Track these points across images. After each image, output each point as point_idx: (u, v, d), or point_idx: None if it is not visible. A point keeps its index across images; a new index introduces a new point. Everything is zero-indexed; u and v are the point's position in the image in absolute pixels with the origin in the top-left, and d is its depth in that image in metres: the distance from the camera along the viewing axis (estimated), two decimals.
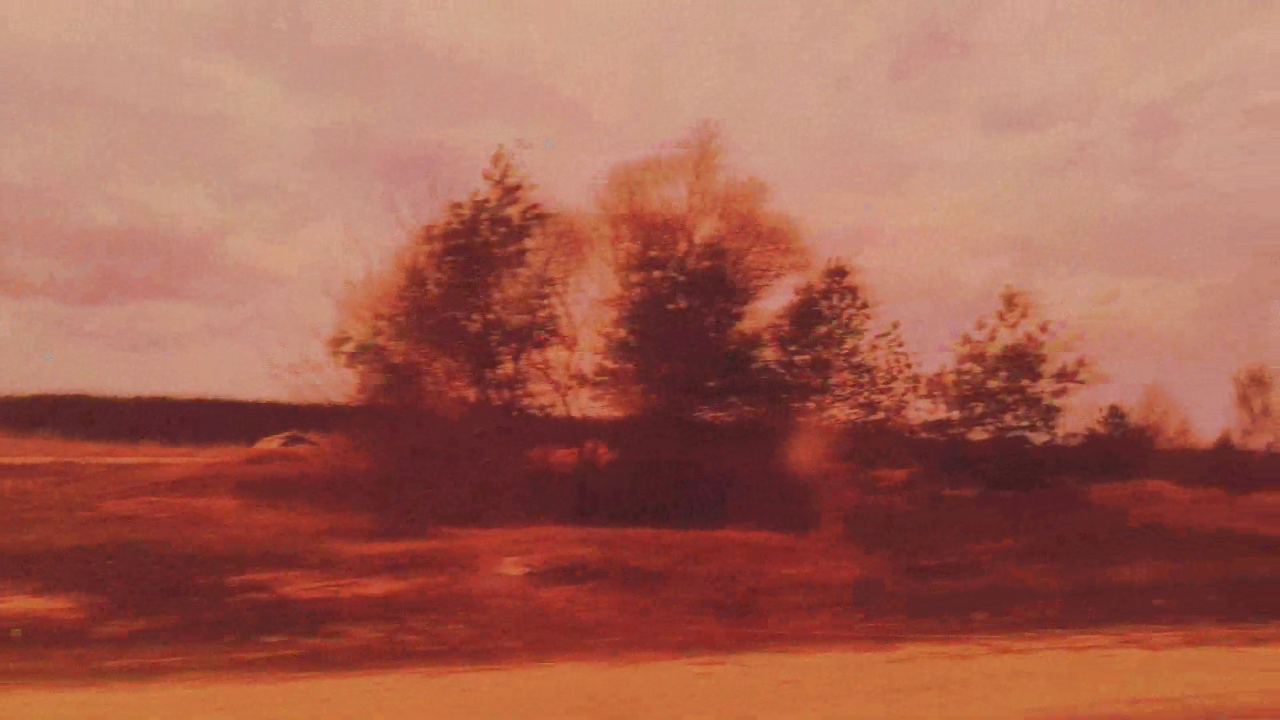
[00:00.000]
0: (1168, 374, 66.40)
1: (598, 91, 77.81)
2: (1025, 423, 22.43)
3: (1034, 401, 22.39)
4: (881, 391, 22.59)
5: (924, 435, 23.40)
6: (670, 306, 18.96)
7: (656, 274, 19.23)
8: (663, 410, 18.44)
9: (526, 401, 18.67)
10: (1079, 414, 24.15)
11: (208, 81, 67.41)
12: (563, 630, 8.61)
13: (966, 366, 22.80)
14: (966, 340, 23.11)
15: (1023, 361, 22.39)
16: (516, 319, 18.56)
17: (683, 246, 19.57)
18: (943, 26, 74.25)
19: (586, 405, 19.42)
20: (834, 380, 21.78)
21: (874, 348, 22.37)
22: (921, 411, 23.40)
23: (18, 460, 22.74)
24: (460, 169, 76.21)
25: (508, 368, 18.52)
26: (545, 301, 18.76)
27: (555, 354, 18.98)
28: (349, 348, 17.37)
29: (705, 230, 19.84)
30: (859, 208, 72.65)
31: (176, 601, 8.88)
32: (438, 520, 13.28)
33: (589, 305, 19.41)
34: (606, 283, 19.65)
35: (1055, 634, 9.12)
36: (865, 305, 22.13)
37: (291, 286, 69.96)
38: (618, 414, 19.66)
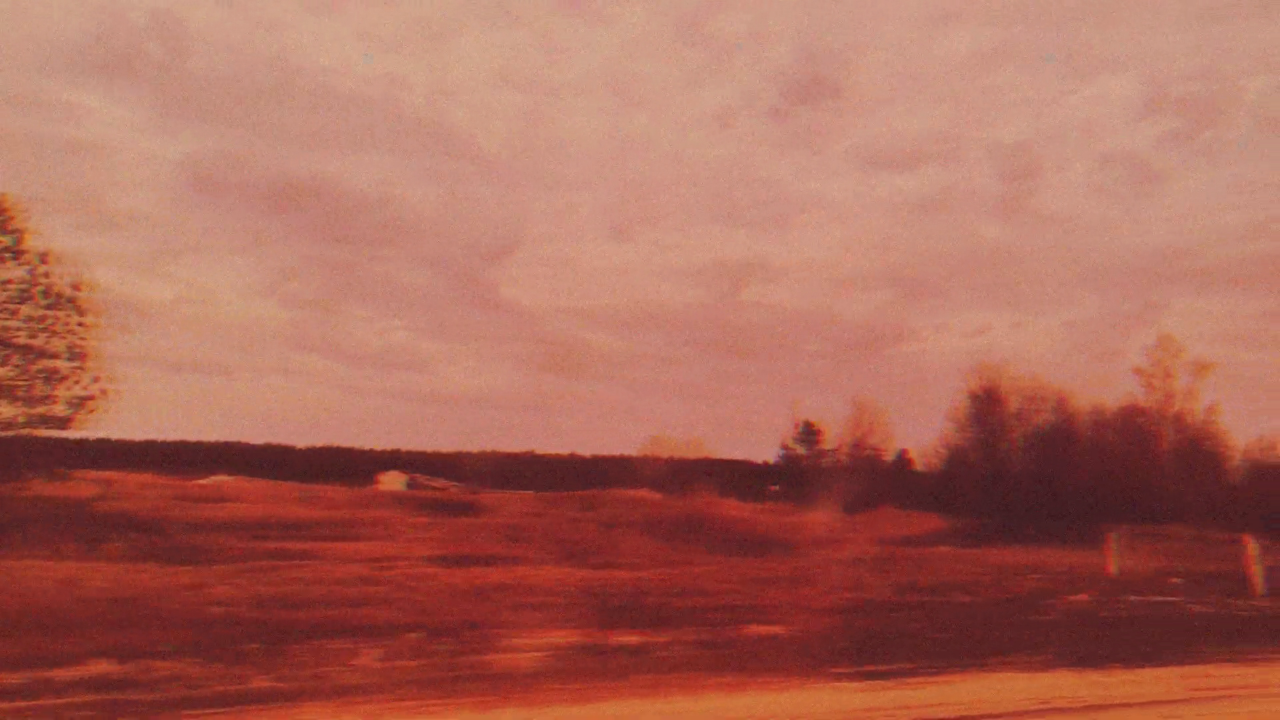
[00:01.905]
0: None
1: (484, 125, 75.33)
2: None
3: None
4: None
5: None
6: None
7: None
8: None
9: None
10: None
11: (72, 108, 61.30)
12: None
13: None
14: None
15: None
16: None
17: None
18: (819, 72, 75.45)
19: None
20: None
21: None
22: None
23: None
24: (340, 200, 71.85)
25: None
26: None
27: None
28: None
29: None
30: (744, 242, 72.53)
31: None
32: None
33: None
34: None
35: None
36: None
37: (162, 320, 64.06)
38: None
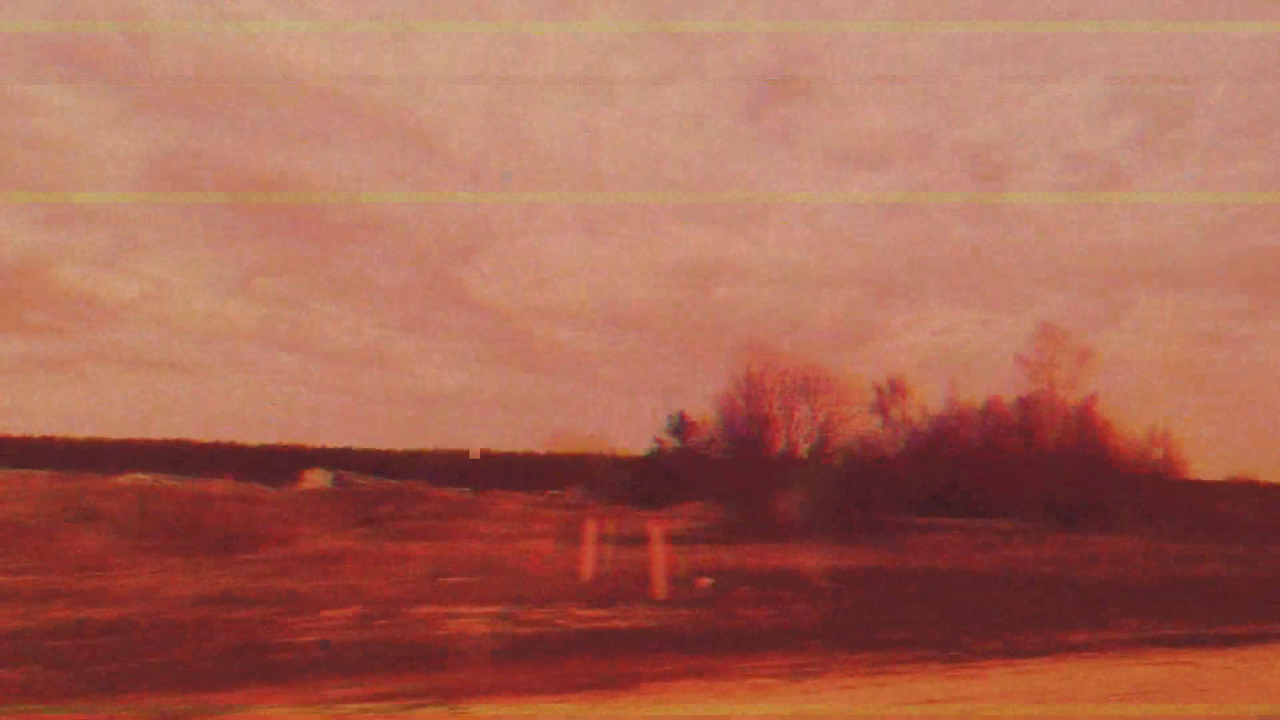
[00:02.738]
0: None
1: (453, 122, 77.58)
2: None
3: None
4: None
5: None
6: None
7: None
8: None
9: None
10: None
11: (33, 101, 63.85)
12: None
13: None
14: None
15: None
16: None
17: None
18: (790, 70, 77.51)
19: None
20: None
21: None
22: None
23: None
24: (309, 196, 74.95)
25: None
26: None
27: None
28: None
29: None
30: (715, 240, 74.99)
31: None
32: None
33: None
34: None
35: None
36: None
37: (126, 317, 66.47)
38: None
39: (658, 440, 43.32)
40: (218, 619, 10.67)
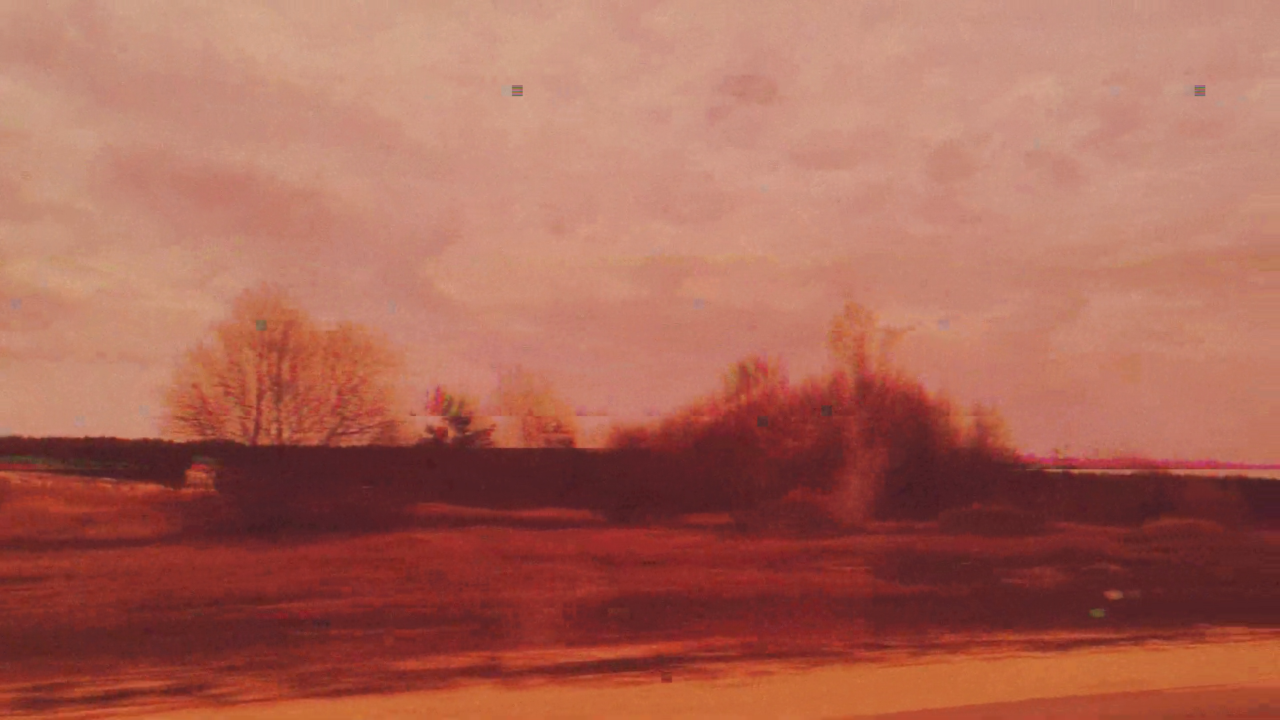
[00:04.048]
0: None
1: (418, 117, 77.58)
2: None
3: None
4: None
5: None
6: None
7: None
8: None
9: None
10: None
11: None
12: None
13: None
14: None
15: None
16: None
17: None
18: (755, 69, 79.08)
19: None
20: None
21: None
22: None
23: None
24: (271, 193, 74.58)
25: None
26: None
27: None
28: None
29: None
30: (681, 237, 76.23)
31: None
32: None
33: None
34: None
35: None
36: None
37: (85, 313, 65.47)
38: None
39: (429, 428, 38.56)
40: None
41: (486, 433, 36.40)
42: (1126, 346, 68.35)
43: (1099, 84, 78.29)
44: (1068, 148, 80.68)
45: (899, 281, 74.96)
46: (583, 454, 36.27)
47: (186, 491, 32.87)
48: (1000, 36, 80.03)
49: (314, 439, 28.03)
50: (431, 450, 34.74)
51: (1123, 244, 76.34)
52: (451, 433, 35.44)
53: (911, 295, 74.87)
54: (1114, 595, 15.69)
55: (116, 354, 68.78)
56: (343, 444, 28.39)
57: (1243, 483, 38.61)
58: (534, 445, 37.13)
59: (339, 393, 27.98)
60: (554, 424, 36.87)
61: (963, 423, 41.26)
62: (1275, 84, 75.23)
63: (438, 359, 74.48)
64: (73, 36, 68.76)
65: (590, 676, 8.88)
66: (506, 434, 37.85)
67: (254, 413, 27.69)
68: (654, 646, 10.34)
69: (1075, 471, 42.23)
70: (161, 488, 38.38)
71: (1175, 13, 78.04)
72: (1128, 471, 39.91)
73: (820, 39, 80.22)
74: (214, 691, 8.05)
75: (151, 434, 34.51)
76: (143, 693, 7.95)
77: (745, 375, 40.72)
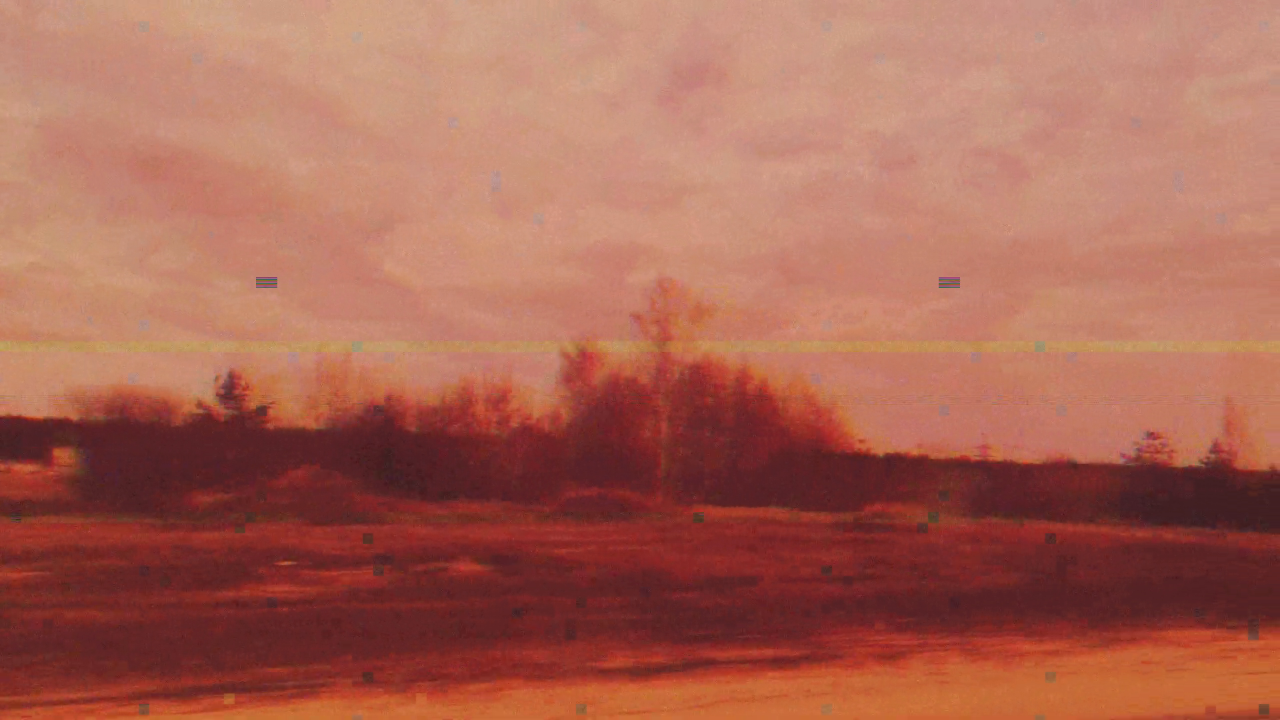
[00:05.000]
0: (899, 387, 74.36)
1: (366, 97, 76.89)
2: None
3: None
4: None
5: None
6: None
7: None
8: None
9: None
10: None
11: None
12: None
13: None
14: None
15: None
16: None
17: None
18: (706, 58, 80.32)
19: None
20: None
21: None
22: None
23: None
24: (212, 170, 73.14)
25: None
26: None
27: None
28: None
29: None
30: (630, 224, 77.13)
31: None
32: None
33: None
34: None
35: None
36: None
37: (14, 289, 63.62)
38: None
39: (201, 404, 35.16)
40: None
41: (264, 411, 35.08)
42: (1066, 339, 71.63)
43: (1045, 80, 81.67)
44: (1013, 141, 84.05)
45: (846, 271, 77.24)
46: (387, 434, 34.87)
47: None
48: (949, 31, 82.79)
49: None
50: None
51: (1065, 238, 79.86)
52: (223, 410, 34.45)
53: (858, 285, 77.39)
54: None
55: (49, 333, 67.09)
56: None
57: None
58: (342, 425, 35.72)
59: None
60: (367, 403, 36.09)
61: (796, 409, 41.68)
62: (1215, 82, 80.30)
63: (378, 338, 74.21)
64: (6, 6, 66.58)
65: None
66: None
67: None
68: None
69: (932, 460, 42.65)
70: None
71: (1122, 11, 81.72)
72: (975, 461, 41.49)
73: (771, 28, 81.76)
74: None
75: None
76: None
77: (570, 359, 40.41)
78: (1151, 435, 39.68)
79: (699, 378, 39.39)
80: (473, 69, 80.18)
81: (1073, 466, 41.49)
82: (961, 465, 40.93)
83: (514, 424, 36.06)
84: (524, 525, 24.46)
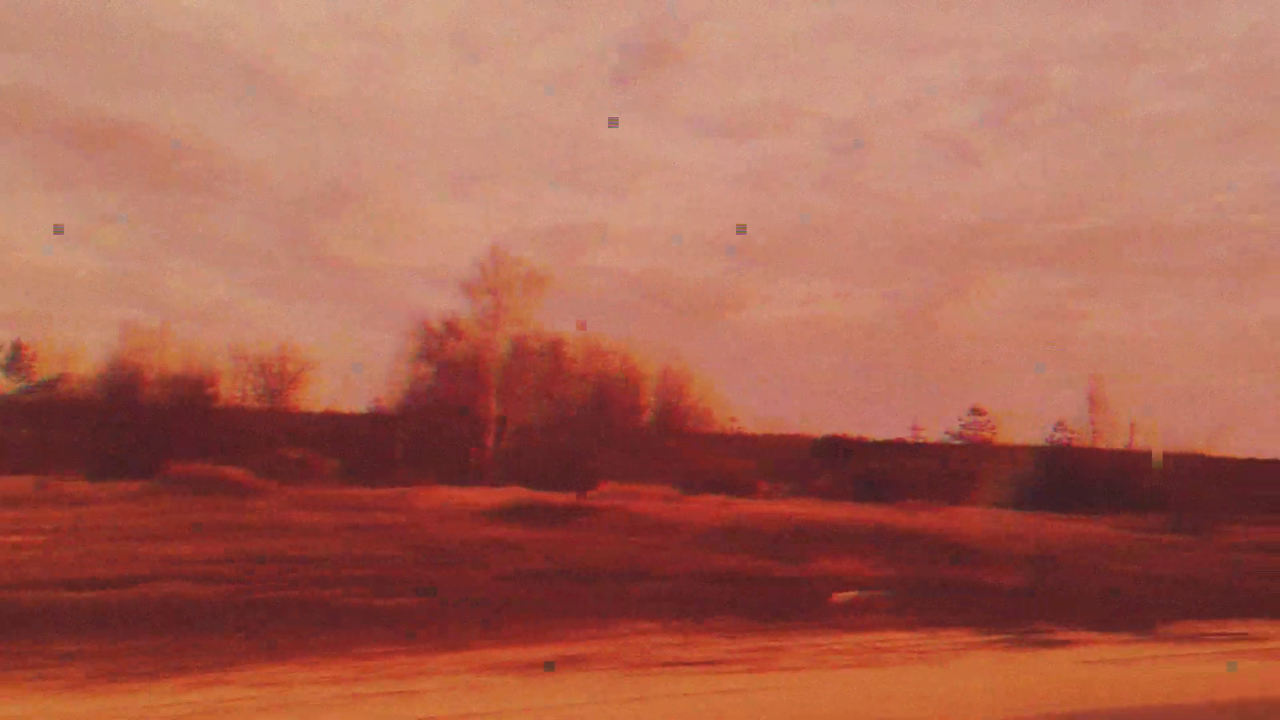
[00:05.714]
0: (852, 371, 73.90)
1: (318, 73, 75.46)
2: None
3: None
4: None
5: None
6: None
7: None
8: None
9: None
10: None
11: None
12: None
13: None
14: None
15: None
16: None
17: None
18: (661, 38, 79.08)
19: None
20: None
21: None
22: None
23: None
24: (159, 145, 71.57)
25: None
26: None
27: None
28: None
29: None
30: (584, 205, 76.06)
31: None
32: None
33: None
34: None
35: None
36: None
37: None
38: None
39: None
40: None
41: (51, 384, 33.33)
42: (1013, 324, 70.94)
43: (996, 65, 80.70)
44: (964, 127, 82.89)
45: (797, 254, 76.19)
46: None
47: None
48: (902, 14, 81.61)
49: None
50: None
51: (1013, 223, 78.93)
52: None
53: (810, 268, 76.29)
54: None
55: None
56: None
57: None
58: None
59: None
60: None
61: (643, 385, 40.91)
62: (1159, 70, 79.50)
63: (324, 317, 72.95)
64: None
65: None
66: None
67: None
68: None
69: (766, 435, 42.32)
70: None
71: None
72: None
73: (726, 9, 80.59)
74: None
75: None
76: None
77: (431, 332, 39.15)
78: (975, 411, 38.41)
79: (525, 352, 38.22)
80: (426, 45, 78.81)
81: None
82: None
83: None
84: None
